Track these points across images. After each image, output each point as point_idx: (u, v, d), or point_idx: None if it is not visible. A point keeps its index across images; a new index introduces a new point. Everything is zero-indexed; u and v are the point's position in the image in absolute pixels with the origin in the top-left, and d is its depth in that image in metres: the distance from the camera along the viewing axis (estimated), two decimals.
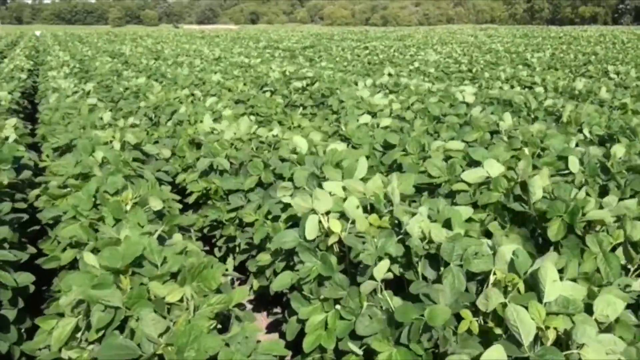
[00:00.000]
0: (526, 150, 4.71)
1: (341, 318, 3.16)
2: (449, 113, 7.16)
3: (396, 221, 3.50)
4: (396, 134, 5.58)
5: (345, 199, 3.69)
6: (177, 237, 3.51)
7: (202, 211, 5.33)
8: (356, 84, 11.39)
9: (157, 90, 9.98)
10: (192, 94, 10.02)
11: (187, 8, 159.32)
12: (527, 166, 4.02)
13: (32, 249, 4.47)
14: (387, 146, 5.48)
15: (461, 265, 2.91)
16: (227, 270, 3.53)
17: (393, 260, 3.21)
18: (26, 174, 5.62)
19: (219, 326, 3.02)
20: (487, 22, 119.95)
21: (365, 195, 3.86)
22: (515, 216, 3.77)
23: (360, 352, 2.95)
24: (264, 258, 3.97)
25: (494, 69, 15.32)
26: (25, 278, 3.73)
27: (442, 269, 3.00)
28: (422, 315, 2.70)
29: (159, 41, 36.24)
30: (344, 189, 3.92)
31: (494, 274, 2.80)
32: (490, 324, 2.62)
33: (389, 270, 3.09)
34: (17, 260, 3.93)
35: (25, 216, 4.78)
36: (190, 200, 5.42)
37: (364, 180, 4.06)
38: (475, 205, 3.94)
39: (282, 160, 5.21)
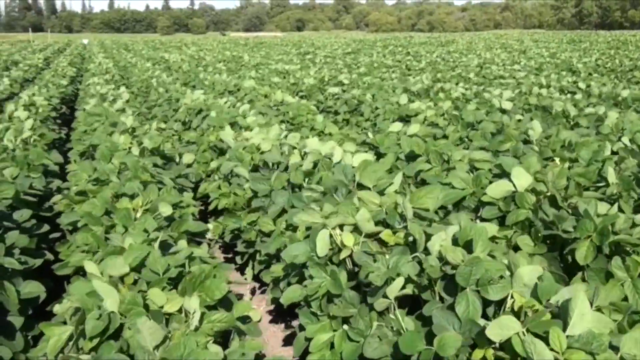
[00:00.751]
0: (557, 161, 4.41)
1: (349, 339, 2.97)
2: (485, 120, 6.91)
3: (411, 237, 3.29)
4: (423, 142, 5.32)
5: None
6: (182, 244, 3.39)
7: (222, 220, 5.21)
8: (394, 90, 11.21)
9: (193, 98, 9.96)
10: (223, 99, 9.97)
11: (234, 16, 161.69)
12: (557, 179, 3.72)
13: (49, 256, 4.43)
14: (412, 156, 5.25)
15: (478, 291, 2.64)
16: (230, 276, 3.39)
17: (407, 279, 2.97)
18: (56, 182, 5.57)
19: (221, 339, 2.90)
20: (535, 27, 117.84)
21: (382, 207, 3.67)
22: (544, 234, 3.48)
23: None
24: (278, 269, 3.80)
25: (537, 74, 14.91)
26: (34, 288, 3.65)
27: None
28: (432, 344, 2.50)
29: (202, 48, 36.65)
30: (359, 200, 3.75)
31: (512, 297, 2.55)
32: (506, 355, 2.39)
33: (403, 288, 2.90)
34: (29, 267, 3.89)
35: (46, 226, 4.73)
36: (219, 206, 5.28)
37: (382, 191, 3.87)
38: (503, 218, 3.70)
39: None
